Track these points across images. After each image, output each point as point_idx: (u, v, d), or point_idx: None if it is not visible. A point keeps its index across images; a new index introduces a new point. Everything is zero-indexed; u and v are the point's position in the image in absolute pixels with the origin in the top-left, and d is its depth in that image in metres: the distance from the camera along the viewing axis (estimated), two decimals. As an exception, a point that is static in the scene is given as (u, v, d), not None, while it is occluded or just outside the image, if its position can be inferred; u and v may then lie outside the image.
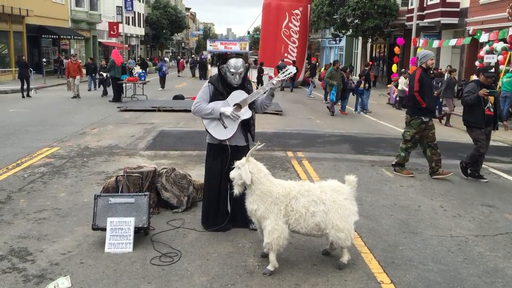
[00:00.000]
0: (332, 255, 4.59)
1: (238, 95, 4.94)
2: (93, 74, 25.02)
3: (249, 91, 5.04)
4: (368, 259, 4.60)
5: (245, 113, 4.96)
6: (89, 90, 23.71)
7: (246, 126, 5.08)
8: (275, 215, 4.17)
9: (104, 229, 4.70)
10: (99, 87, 23.62)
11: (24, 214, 5.56)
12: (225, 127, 4.93)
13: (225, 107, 4.89)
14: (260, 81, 26.04)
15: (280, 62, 26.41)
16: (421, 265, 4.52)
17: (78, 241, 4.83)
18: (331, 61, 39.32)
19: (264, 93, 4.98)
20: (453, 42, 20.75)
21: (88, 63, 25.87)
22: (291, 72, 4.93)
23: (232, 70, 4.87)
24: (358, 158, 9.35)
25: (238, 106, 4.91)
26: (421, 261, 4.61)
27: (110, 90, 20.02)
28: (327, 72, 17.10)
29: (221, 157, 5.05)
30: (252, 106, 5.05)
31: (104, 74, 21.85)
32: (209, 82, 5.07)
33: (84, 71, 23.44)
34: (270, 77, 25.36)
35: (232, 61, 4.91)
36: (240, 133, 5.05)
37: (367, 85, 17.41)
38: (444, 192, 7.11)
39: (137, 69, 24.79)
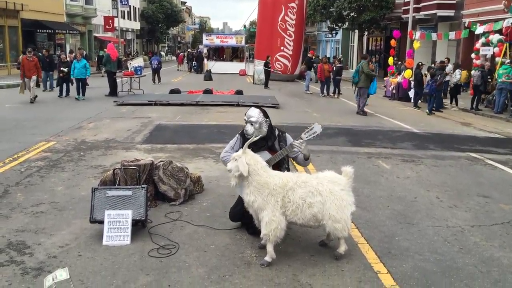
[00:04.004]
0: (329, 246, 4.62)
1: (261, 156, 4.70)
2: (51, 72, 19.95)
3: (273, 145, 4.96)
4: (365, 250, 4.63)
5: None
6: (44, 90, 19.45)
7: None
8: (272, 206, 4.19)
9: (101, 222, 4.71)
10: (57, 86, 18.23)
11: (22, 208, 5.56)
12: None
13: None
14: (268, 76, 24.86)
15: (267, 59, 25.78)
16: (418, 255, 4.55)
17: (75, 234, 4.84)
18: (326, 54, 39.47)
19: (287, 154, 4.94)
20: (452, 35, 20.68)
21: (43, 57, 20.17)
22: (316, 132, 4.89)
23: (245, 117, 4.83)
24: (355, 150, 9.38)
25: None
26: (417, 251, 4.64)
27: (73, 90, 17.56)
28: (364, 66, 14.93)
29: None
30: (284, 159, 5.02)
31: (66, 70, 17.53)
32: (240, 134, 4.97)
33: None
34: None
35: (249, 110, 4.85)
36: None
37: None
38: (440, 183, 7.14)
39: (134, 63, 23.71)
